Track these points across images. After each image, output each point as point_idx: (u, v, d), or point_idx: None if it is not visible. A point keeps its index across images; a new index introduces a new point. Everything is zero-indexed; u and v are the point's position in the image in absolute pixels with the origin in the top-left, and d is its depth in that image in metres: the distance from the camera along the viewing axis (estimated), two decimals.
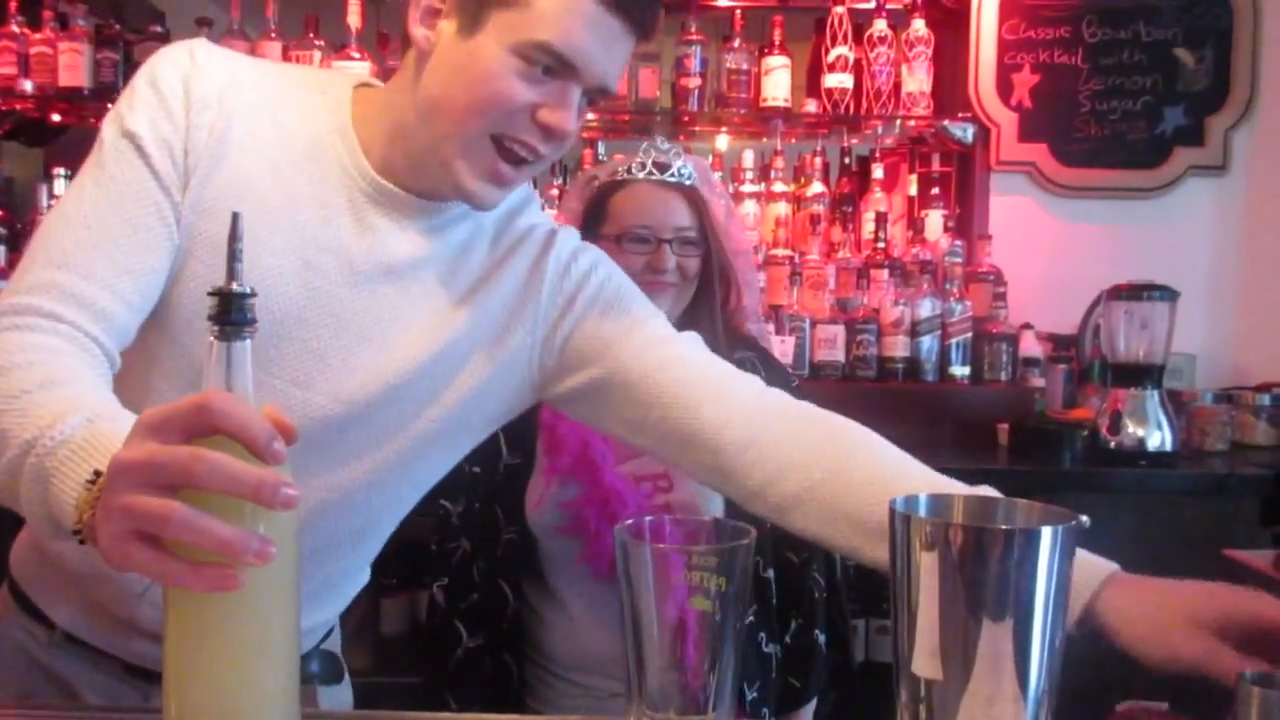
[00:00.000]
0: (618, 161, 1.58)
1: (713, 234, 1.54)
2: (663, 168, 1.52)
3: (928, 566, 0.63)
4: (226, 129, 0.97)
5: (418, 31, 0.97)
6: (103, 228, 0.93)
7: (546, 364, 1.10)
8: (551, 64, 0.93)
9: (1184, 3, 2.82)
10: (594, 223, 1.54)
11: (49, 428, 0.77)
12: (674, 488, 1.47)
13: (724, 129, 2.99)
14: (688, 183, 1.53)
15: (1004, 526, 0.67)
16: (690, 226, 1.51)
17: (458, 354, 1.05)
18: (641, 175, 1.52)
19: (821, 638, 1.54)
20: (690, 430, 1.05)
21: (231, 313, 0.73)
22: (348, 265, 1.00)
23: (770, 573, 1.52)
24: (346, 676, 1.28)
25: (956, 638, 0.64)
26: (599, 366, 1.08)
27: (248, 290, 0.74)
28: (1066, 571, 0.65)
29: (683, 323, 1.55)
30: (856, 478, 1.01)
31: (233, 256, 0.75)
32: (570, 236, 1.15)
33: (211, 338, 0.74)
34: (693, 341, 1.14)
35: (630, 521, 0.79)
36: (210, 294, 0.73)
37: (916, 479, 0.99)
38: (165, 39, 2.75)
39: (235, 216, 0.75)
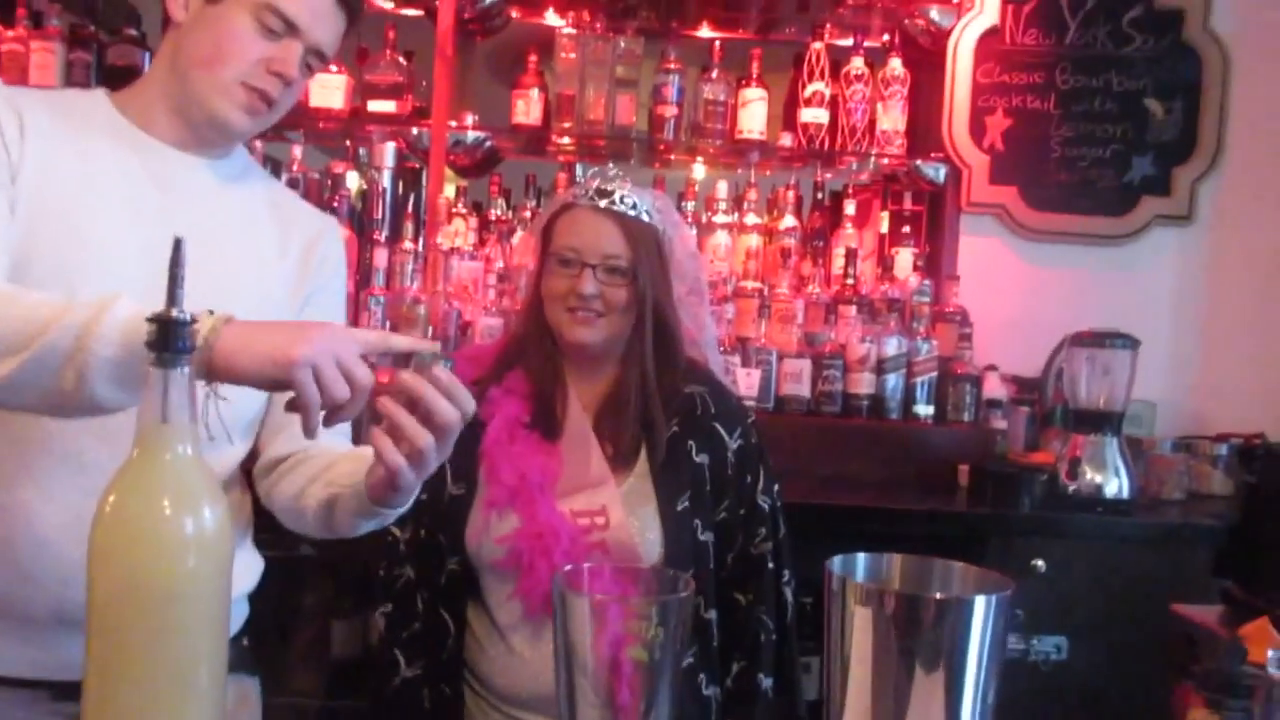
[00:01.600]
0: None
1: (652, 273, 1.50)
2: (604, 194, 1.50)
3: (861, 629, 0.63)
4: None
5: (174, 5, 1.20)
6: None
7: None
8: (278, 27, 1.18)
9: (1155, 54, 2.86)
10: (545, 245, 1.54)
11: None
12: (610, 525, 1.45)
13: (699, 158, 2.99)
14: (629, 213, 1.49)
15: (938, 595, 0.66)
16: (620, 256, 1.48)
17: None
18: (583, 200, 1.51)
19: (767, 681, 1.50)
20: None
21: (170, 340, 0.72)
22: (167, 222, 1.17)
23: (712, 613, 1.49)
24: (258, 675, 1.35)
25: (887, 701, 0.64)
26: None
27: (188, 317, 0.73)
28: (1001, 638, 0.64)
29: (616, 357, 1.54)
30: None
31: (174, 281, 0.74)
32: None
33: (150, 365, 0.72)
34: None
35: (569, 568, 0.78)
36: (149, 320, 0.72)
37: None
38: (140, 42, 2.73)
39: (177, 242, 0.74)
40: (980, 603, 0.62)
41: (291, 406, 0.93)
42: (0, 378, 0.91)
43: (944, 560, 0.68)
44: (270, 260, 1.29)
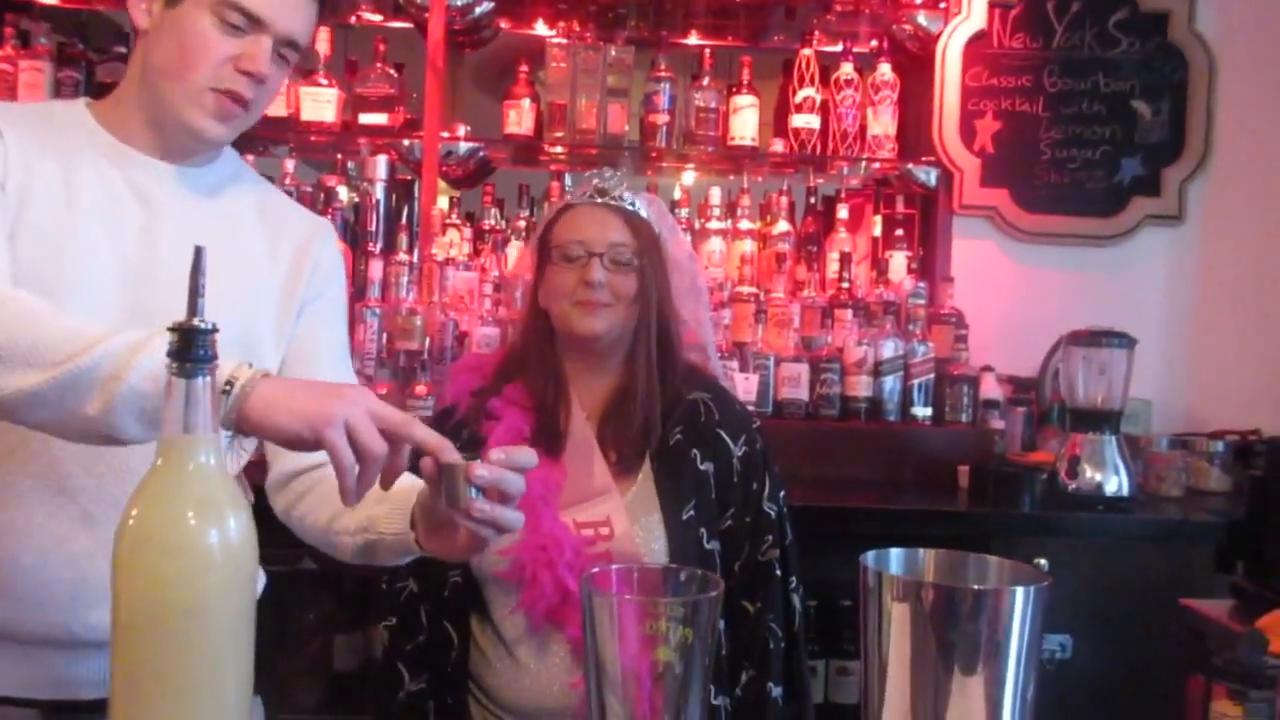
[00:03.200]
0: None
1: (654, 266, 1.50)
2: (602, 192, 1.50)
3: (899, 625, 0.63)
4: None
5: (137, 13, 1.16)
6: None
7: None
8: (241, 23, 1.13)
9: (1142, 56, 2.89)
10: (544, 250, 1.53)
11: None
12: (615, 535, 1.43)
13: (691, 166, 3.00)
14: (629, 208, 1.50)
15: (976, 586, 0.66)
16: (626, 245, 1.47)
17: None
18: (582, 199, 1.51)
19: (776, 690, 1.47)
20: None
21: (192, 349, 0.71)
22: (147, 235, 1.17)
23: (720, 622, 1.47)
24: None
25: (927, 697, 0.63)
26: None
27: (210, 326, 0.72)
28: (1038, 630, 0.64)
29: (620, 355, 1.53)
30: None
31: (195, 291, 0.73)
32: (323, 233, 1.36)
33: (170, 374, 0.72)
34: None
35: (596, 570, 0.77)
36: (170, 329, 0.72)
37: None
38: (127, 60, 2.71)
39: (198, 251, 0.73)
40: (1020, 594, 0.62)
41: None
42: (27, 389, 0.88)
43: (978, 554, 0.68)
44: (259, 270, 1.25)
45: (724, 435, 1.52)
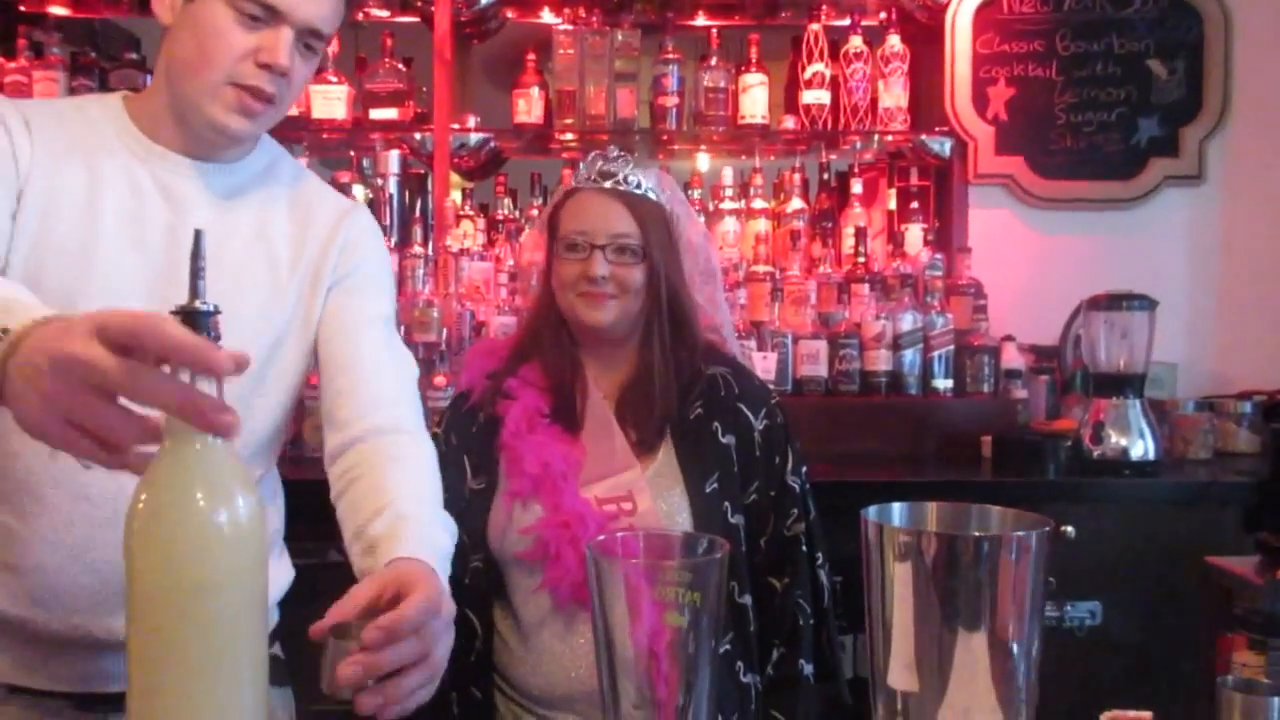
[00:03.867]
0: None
1: (663, 250, 1.48)
2: (607, 176, 1.47)
3: (901, 576, 0.63)
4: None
5: (160, 8, 1.15)
6: None
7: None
8: (259, 13, 1.11)
9: (1156, 15, 2.84)
10: (553, 235, 1.51)
11: None
12: (637, 510, 1.42)
13: (703, 147, 2.99)
14: (635, 192, 1.47)
15: (977, 534, 0.66)
16: (629, 235, 1.45)
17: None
18: (586, 184, 1.48)
19: (808, 668, 1.45)
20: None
21: (196, 331, 0.72)
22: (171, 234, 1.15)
23: (747, 599, 1.45)
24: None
25: (931, 648, 0.63)
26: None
27: (211, 308, 0.73)
28: (1041, 578, 0.64)
29: (635, 341, 1.52)
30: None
31: (195, 274, 0.74)
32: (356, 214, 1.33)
33: None
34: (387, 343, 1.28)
35: (602, 538, 0.77)
36: (173, 313, 0.72)
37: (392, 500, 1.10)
38: (141, 66, 2.74)
39: (197, 234, 0.74)
40: (1018, 539, 0.62)
41: None
42: None
43: (982, 505, 0.68)
44: (282, 266, 1.23)
45: (744, 409, 1.51)
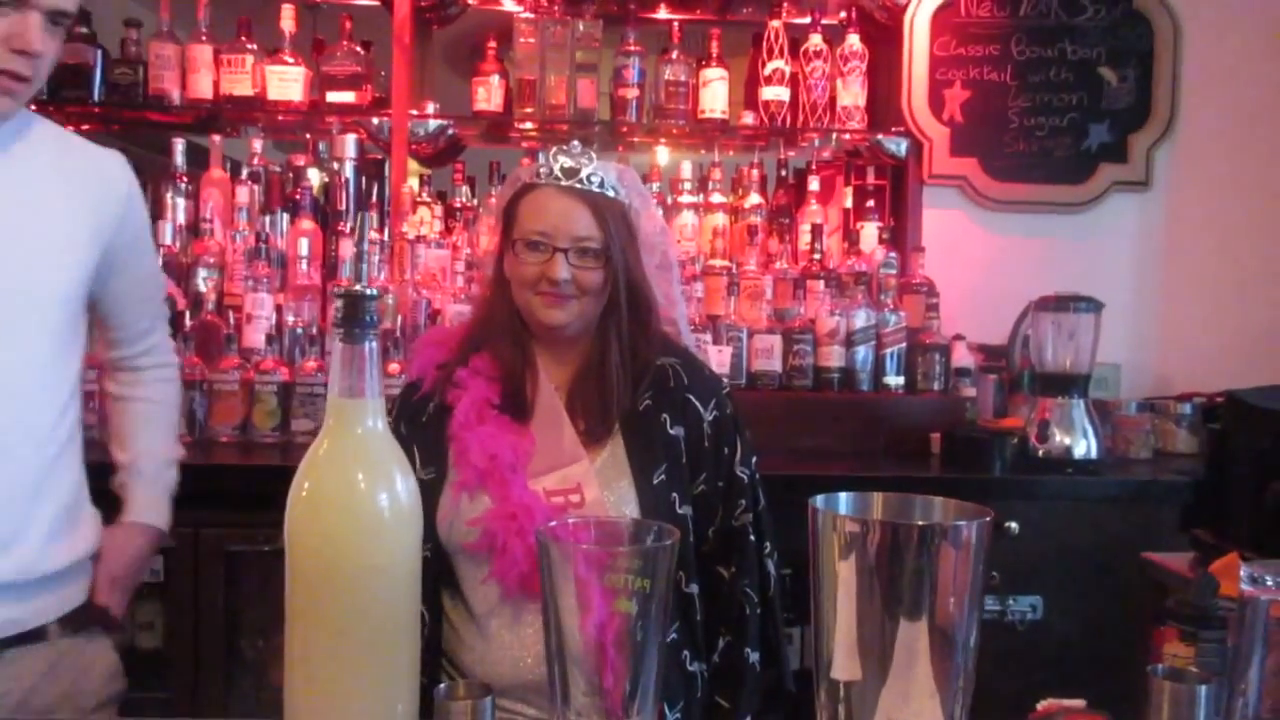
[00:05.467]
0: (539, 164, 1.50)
1: (624, 248, 1.46)
2: (570, 173, 1.44)
3: (846, 563, 0.64)
4: None
5: None
6: None
7: None
8: (5, 0, 1.16)
9: (1108, 23, 2.90)
10: (508, 227, 1.49)
11: None
12: (585, 502, 1.42)
13: (662, 140, 3.00)
14: (596, 190, 1.44)
15: (920, 522, 0.67)
16: (591, 237, 1.43)
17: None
18: (547, 180, 1.45)
19: (754, 655, 1.46)
20: None
21: (359, 314, 0.72)
22: None
23: (694, 588, 1.46)
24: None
25: (874, 634, 0.65)
26: None
27: (374, 292, 0.73)
28: (981, 568, 0.65)
29: (589, 334, 1.52)
30: None
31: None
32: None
33: (338, 340, 0.73)
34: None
35: (552, 524, 0.78)
36: (336, 295, 0.73)
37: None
38: (91, 40, 2.69)
39: None
40: (960, 528, 0.64)
41: None
42: None
43: (925, 496, 0.70)
44: (56, 218, 1.31)
45: (694, 400, 1.52)
